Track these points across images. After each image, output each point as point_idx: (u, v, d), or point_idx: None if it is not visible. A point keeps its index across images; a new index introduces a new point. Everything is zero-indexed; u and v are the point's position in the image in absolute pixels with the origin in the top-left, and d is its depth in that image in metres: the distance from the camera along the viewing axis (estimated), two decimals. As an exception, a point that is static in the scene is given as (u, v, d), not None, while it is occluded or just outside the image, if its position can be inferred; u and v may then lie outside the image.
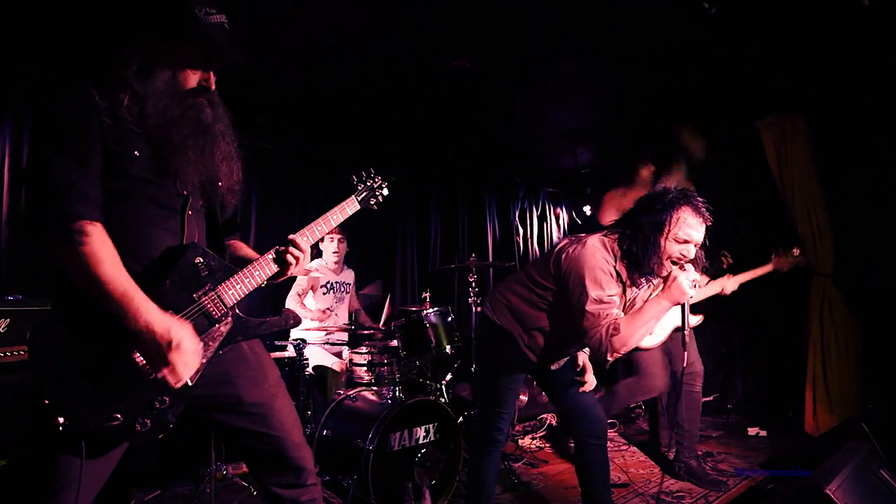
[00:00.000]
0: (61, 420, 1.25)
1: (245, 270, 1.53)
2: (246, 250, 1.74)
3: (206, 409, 1.53)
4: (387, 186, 1.94)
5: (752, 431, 4.31)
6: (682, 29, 3.22)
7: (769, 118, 4.23)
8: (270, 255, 1.60)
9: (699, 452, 3.52)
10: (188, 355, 1.33)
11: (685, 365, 3.09)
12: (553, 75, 3.86)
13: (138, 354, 1.33)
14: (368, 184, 1.89)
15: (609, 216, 3.51)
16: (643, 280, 2.18)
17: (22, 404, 2.44)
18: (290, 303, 3.82)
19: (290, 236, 1.61)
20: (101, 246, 1.28)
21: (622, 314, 2.10)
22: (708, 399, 4.83)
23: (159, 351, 1.29)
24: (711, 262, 4.05)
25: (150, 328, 1.28)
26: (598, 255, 2.09)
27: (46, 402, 1.25)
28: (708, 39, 3.33)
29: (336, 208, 1.77)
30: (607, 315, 2.02)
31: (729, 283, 3.47)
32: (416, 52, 3.47)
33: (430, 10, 3.02)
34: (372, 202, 1.90)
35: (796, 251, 3.61)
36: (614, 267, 2.10)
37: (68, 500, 1.32)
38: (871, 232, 3.96)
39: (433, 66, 3.65)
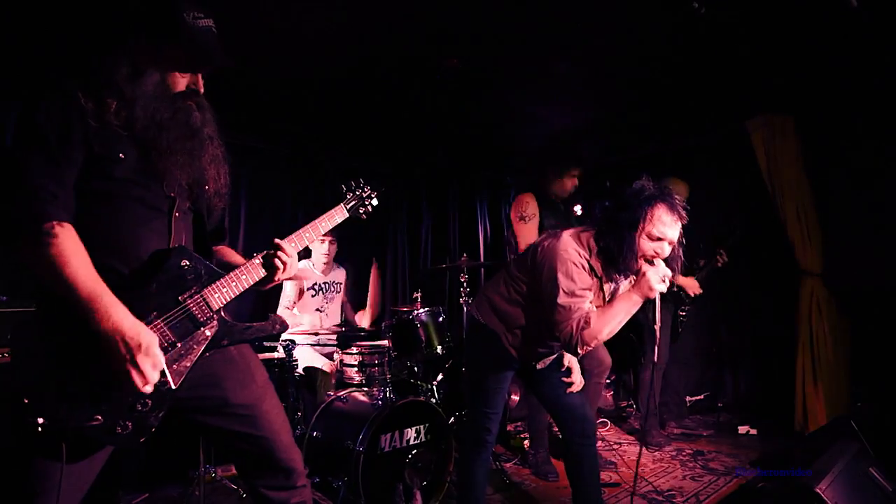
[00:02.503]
0: (40, 420, 1.23)
1: (231, 275, 1.53)
2: (235, 256, 1.73)
3: (193, 411, 1.52)
4: (376, 197, 1.95)
5: (742, 430, 4.33)
6: (672, 29, 3.22)
7: (759, 119, 4.24)
8: (258, 260, 1.60)
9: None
10: (155, 359, 1.31)
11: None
12: (544, 75, 3.85)
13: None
14: (358, 193, 1.91)
15: None
16: (620, 276, 2.18)
17: (4, 406, 2.42)
18: (282, 314, 3.78)
19: (277, 241, 1.61)
20: (68, 246, 1.27)
21: (594, 308, 2.10)
22: (698, 398, 4.87)
23: (127, 353, 1.27)
24: (708, 260, 4.10)
25: (117, 329, 1.26)
26: (570, 248, 2.10)
27: (25, 401, 1.23)
28: (698, 40, 3.33)
29: (325, 216, 1.77)
30: (578, 308, 2.03)
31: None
32: (406, 51, 3.46)
33: (420, 9, 3.00)
34: (361, 211, 1.91)
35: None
36: (588, 261, 2.10)
37: (56, 501, 1.29)
38: (861, 232, 3.99)
39: (424, 65, 3.63)
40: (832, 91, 3.99)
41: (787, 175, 4.15)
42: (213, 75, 1.60)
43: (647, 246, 2.02)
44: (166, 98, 1.47)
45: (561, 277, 2.05)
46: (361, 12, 3.01)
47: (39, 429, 1.23)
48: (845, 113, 4.03)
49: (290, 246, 1.62)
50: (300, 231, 1.68)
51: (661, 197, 2.04)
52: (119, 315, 1.27)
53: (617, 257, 2.04)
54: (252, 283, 1.58)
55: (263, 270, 1.59)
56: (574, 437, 2.41)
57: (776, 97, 4.12)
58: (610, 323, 2.01)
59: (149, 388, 1.31)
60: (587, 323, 2.00)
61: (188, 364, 1.42)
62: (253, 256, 1.61)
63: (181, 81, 1.51)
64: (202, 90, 1.56)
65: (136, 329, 1.29)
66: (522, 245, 3.38)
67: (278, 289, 3.75)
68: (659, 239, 2.01)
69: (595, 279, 2.14)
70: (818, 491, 1.98)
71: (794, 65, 3.68)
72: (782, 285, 4.36)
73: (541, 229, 3.43)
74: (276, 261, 1.59)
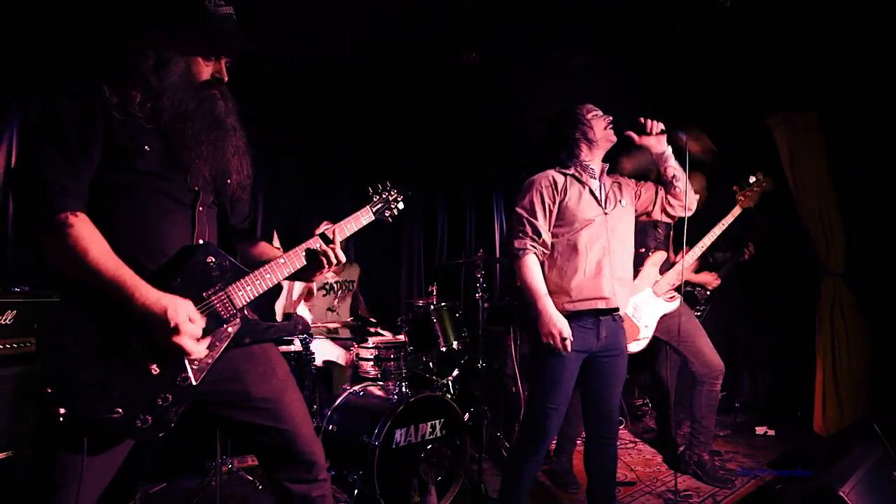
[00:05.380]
0: (62, 410, 1.24)
1: (257, 272, 1.52)
2: (273, 252, 1.73)
3: (216, 405, 1.52)
4: (402, 200, 1.94)
5: (759, 430, 4.29)
6: (694, 23, 3.18)
7: (780, 115, 4.18)
8: (300, 251, 1.61)
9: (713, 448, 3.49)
10: (193, 328, 1.33)
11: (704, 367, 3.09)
12: (562, 71, 3.82)
13: (140, 347, 1.32)
14: (384, 196, 1.89)
15: None
16: (601, 175, 2.42)
17: (29, 395, 2.45)
18: (279, 306, 3.78)
19: (325, 232, 1.64)
20: (86, 235, 1.28)
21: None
22: (715, 398, 4.81)
23: (167, 327, 1.29)
24: (733, 253, 4.00)
25: (147, 308, 1.28)
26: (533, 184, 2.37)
27: (48, 390, 1.24)
28: (720, 34, 3.28)
29: (351, 217, 1.77)
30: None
31: (707, 238, 3.34)
32: (425, 46, 3.44)
33: (437, 5, 2.99)
34: (387, 214, 1.89)
35: (755, 178, 3.33)
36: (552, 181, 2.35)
37: (69, 495, 1.30)
38: (884, 231, 3.92)
39: (442, 60, 3.62)
40: (856, 86, 3.91)
41: (810, 172, 4.09)
42: (234, 68, 1.59)
43: (598, 127, 2.38)
44: (192, 87, 1.47)
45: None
46: (379, 7, 3.00)
47: (60, 419, 1.24)
48: (870, 109, 3.96)
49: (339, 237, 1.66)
50: (330, 228, 1.69)
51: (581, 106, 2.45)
52: (148, 293, 1.29)
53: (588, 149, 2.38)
54: (282, 279, 1.58)
55: (305, 261, 1.61)
56: (594, 436, 2.41)
57: (799, 93, 4.05)
58: (528, 285, 2.25)
59: (201, 351, 1.36)
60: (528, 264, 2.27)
61: (209, 361, 1.42)
62: (292, 249, 1.61)
63: (205, 70, 1.51)
64: (226, 78, 1.56)
65: (164, 303, 1.30)
66: None
67: (278, 288, 3.76)
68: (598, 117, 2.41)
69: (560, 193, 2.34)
70: (842, 494, 1.94)
71: (818, 60, 3.61)
72: (803, 284, 4.30)
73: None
74: (322, 257, 1.61)
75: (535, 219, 2.30)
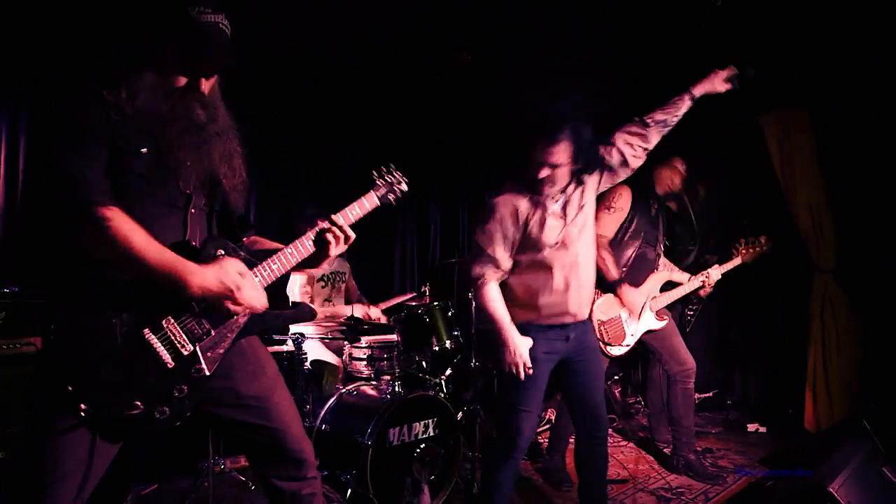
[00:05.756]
0: (83, 407, 1.26)
1: (264, 263, 1.55)
2: (268, 244, 1.74)
3: (205, 402, 1.52)
4: (406, 182, 1.92)
5: (751, 428, 4.31)
6: (686, 22, 3.19)
7: (772, 113, 4.19)
8: (309, 237, 1.63)
9: (698, 448, 3.51)
10: (250, 287, 1.43)
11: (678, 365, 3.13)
12: (556, 70, 3.82)
13: (157, 343, 1.36)
14: (388, 178, 1.88)
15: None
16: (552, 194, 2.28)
17: (17, 397, 2.43)
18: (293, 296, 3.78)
19: (333, 217, 1.66)
20: (126, 226, 1.30)
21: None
22: (707, 395, 4.83)
23: (227, 300, 1.38)
24: (723, 253, 4.02)
25: (204, 287, 1.36)
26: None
27: (70, 388, 1.26)
28: (712, 32, 3.30)
29: (356, 203, 1.76)
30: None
31: (713, 274, 3.44)
32: (417, 45, 3.44)
33: (432, 4, 2.99)
34: (391, 197, 1.88)
35: (763, 240, 3.50)
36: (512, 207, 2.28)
37: (59, 494, 1.31)
38: (874, 228, 3.94)
39: (435, 59, 3.62)
40: (848, 85, 3.93)
41: (801, 170, 4.10)
42: (226, 68, 1.58)
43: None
44: (163, 92, 1.44)
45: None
46: (373, 6, 2.99)
47: (83, 415, 1.26)
48: (861, 107, 3.98)
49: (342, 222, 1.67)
50: (336, 215, 1.69)
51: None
52: (199, 273, 1.36)
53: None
54: (290, 268, 1.60)
55: (313, 246, 1.63)
56: (584, 435, 2.42)
57: (790, 91, 4.06)
58: (490, 314, 2.24)
59: (263, 300, 1.47)
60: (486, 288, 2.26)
61: (221, 351, 1.47)
62: (298, 237, 1.63)
63: (181, 77, 1.48)
64: (205, 88, 1.51)
65: (218, 275, 1.38)
66: (598, 231, 3.08)
67: (284, 280, 3.76)
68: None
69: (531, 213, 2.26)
70: (831, 490, 1.96)
71: (810, 58, 3.62)
72: (794, 282, 4.32)
73: (627, 226, 3.26)
74: (329, 235, 1.63)
75: (495, 249, 2.26)
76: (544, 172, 2.19)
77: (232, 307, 1.41)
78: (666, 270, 3.41)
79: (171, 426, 1.39)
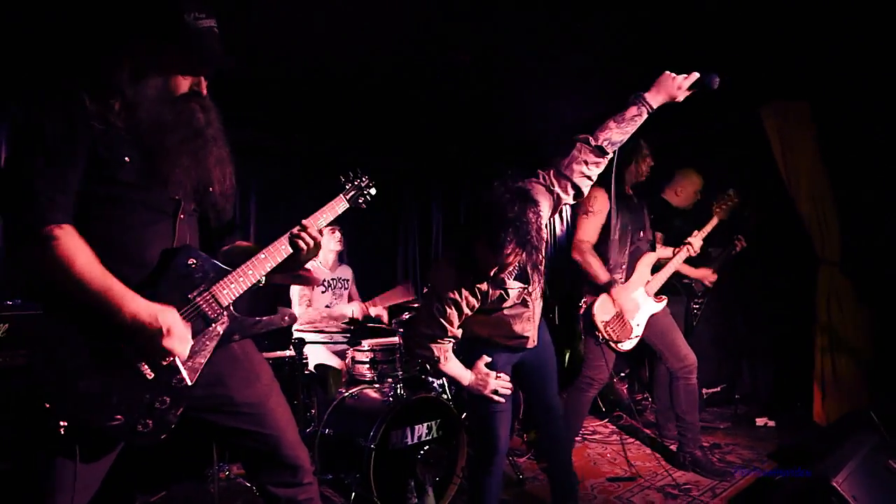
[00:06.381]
0: (63, 423, 1.26)
1: (239, 270, 1.54)
2: (248, 248, 1.73)
3: (200, 410, 1.53)
4: (373, 186, 1.99)
5: (759, 422, 4.27)
6: (685, 14, 3.17)
7: (773, 105, 4.16)
8: (283, 241, 1.63)
9: (704, 444, 3.48)
10: (181, 336, 1.35)
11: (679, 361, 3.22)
12: (557, 68, 3.81)
13: (133, 353, 1.34)
14: (356, 183, 1.95)
15: None
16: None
17: (21, 409, 2.45)
18: (299, 310, 3.76)
19: (304, 221, 1.67)
20: (71, 246, 1.28)
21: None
22: (715, 390, 4.79)
23: (152, 338, 1.31)
24: (724, 247, 4.00)
25: (136, 318, 1.30)
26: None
27: (47, 406, 1.25)
28: (713, 25, 3.27)
29: (326, 207, 1.80)
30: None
31: (695, 241, 3.44)
32: (417, 45, 3.44)
33: (432, 4, 2.99)
34: (360, 201, 1.96)
35: (731, 192, 3.57)
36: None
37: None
38: (879, 219, 3.90)
39: (435, 59, 3.62)
40: (849, 76, 3.89)
41: (803, 161, 4.06)
42: (221, 72, 1.59)
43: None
44: (169, 100, 1.46)
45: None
46: (372, 7, 3.00)
47: (62, 431, 1.25)
48: (863, 98, 3.93)
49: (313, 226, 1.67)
50: (304, 221, 1.70)
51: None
52: (134, 302, 1.30)
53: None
54: (264, 273, 1.59)
55: (290, 248, 1.63)
56: (545, 425, 2.59)
57: (791, 83, 4.03)
58: (448, 374, 2.21)
59: (185, 352, 1.38)
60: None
61: (202, 361, 1.45)
62: (274, 241, 1.63)
63: (184, 83, 1.50)
64: (205, 92, 1.55)
65: (154, 311, 1.32)
66: (578, 237, 3.16)
67: (286, 288, 3.77)
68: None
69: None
70: (835, 484, 1.93)
71: (810, 50, 3.59)
72: (799, 274, 4.28)
73: (614, 227, 3.20)
74: (299, 240, 1.62)
75: (449, 324, 2.11)
76: (494, 270, 2.02)
77: (159, 350, 1.33)
78: (650, 252, 3.39)
79: (157, 439, 1.38)
